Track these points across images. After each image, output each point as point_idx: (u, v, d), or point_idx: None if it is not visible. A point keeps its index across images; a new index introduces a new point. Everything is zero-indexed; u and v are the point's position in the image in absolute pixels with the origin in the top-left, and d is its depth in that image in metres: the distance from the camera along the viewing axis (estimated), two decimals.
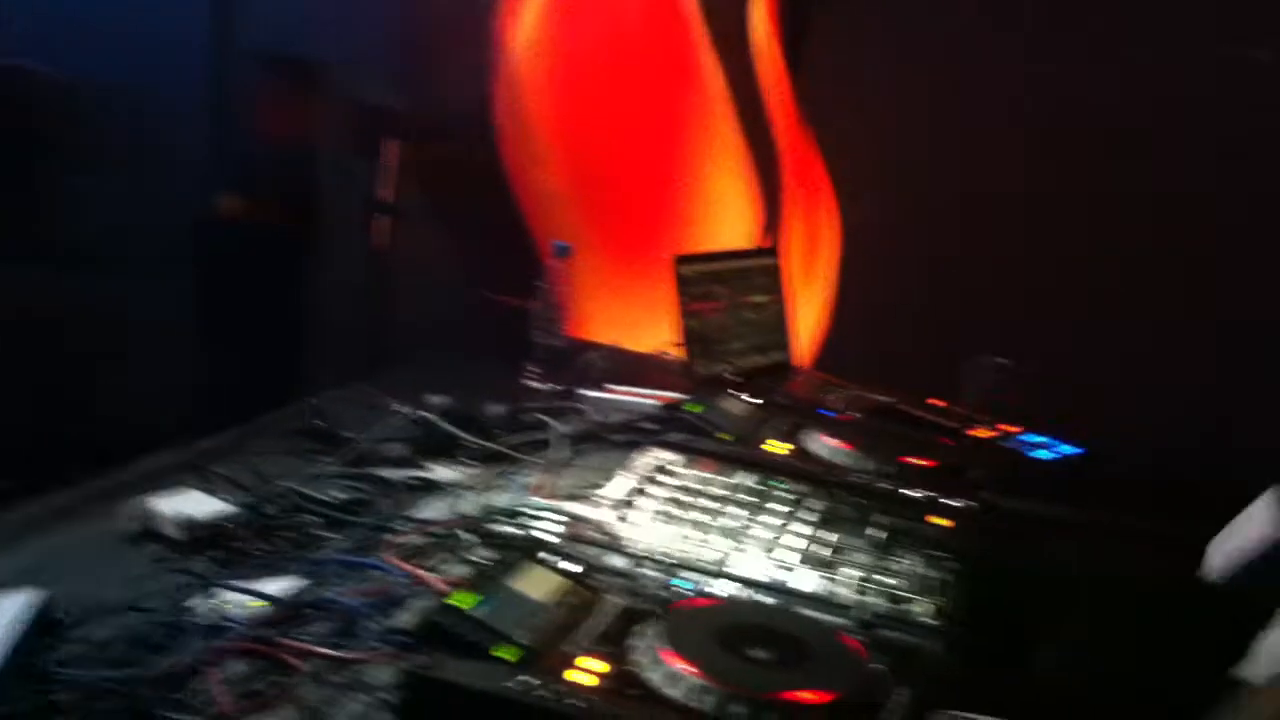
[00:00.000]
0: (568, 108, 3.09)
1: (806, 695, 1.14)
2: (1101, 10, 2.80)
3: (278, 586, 1.39)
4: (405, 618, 1.31)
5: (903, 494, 1.75)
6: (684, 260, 2.42)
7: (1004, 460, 2.03)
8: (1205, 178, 2.70)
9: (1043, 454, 2.07)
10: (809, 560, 1.51)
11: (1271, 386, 2.60)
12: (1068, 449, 2.09)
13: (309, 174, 3.52)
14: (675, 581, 1.41)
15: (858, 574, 1.46)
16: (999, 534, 1.70)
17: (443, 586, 1.37)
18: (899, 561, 1.52)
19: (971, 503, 1.73)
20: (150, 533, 1.55)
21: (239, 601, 1.35)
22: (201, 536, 1.53)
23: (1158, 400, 2.62)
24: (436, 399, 1.98)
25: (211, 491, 1.64)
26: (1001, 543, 1.66)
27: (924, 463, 1.88)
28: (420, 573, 1.43)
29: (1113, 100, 2.75)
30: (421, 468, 1.84)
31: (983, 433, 2.15)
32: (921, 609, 1.40)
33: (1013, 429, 2.16)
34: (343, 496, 1.67)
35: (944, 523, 1.66)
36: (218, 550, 1.51)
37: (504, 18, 3.11)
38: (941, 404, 2.26)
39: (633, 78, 3.08)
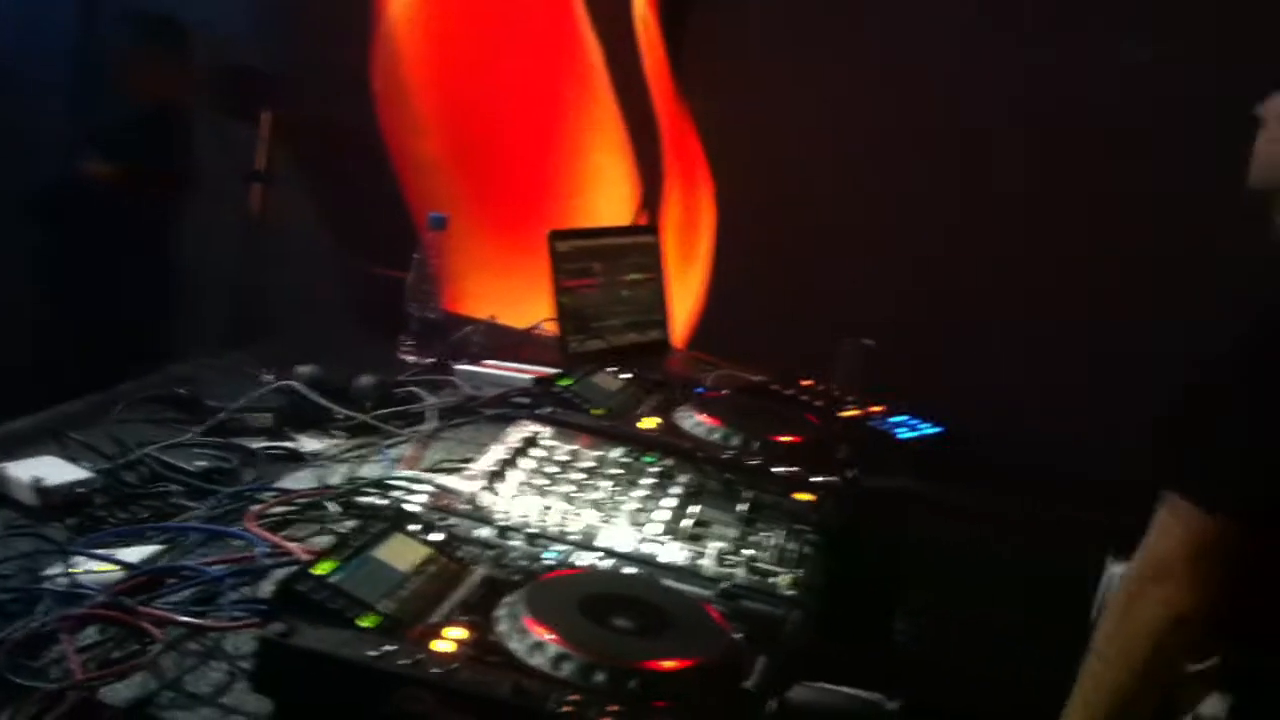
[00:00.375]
0: (447, 77, 3.06)
1: (667, 663, 1.16)
2: None
3: (137, 554, 1.36)
4: (267, 587, 1.30)
5: (770, 470, 1.78)
6: (560, 236, 2.43)
7: (868, 438, 2.08)
8: (1051, 173, 2.78)
9: (905, 433, 2.12)
10: (675, 533, 1.53)
11: (1112, 379, 2.69)
12: (928, 428, 2.14)
13: (179, 139, 3.44)
14: (543, 553, 1.42)
15: (722, 546, 1.49)
16: (860, 509, 1.75)
17: (305, 555, 1.36)
18: (763, 535, 1.55)
19: (835, 479, 1.77)
20: (4, 498, 1.51)
21: (96, 569, 1.32)
22: (57, 503, 1.49)
23: (1014, 384, 2.70)
24: (305, 369, 1.95)
25: (70, 458, 1.60)
26: (862, 518, 1.71)
27: (792, 440, 1.92)
28: (283, 541, 1.41)
29: (969, 88, 2.80)
30: (288, 438, 1.82)
31: (850, 412, 2.20)
32: (783, 581, 1.44)
33: (877, 409, 2.20)
34: (205, 465, 1.64)
35: (808, 497, 1.70)
36: (75, 517, 1.48)
37: None
38: (811, 384, 2.30)
39: (513, 49, 3.06)
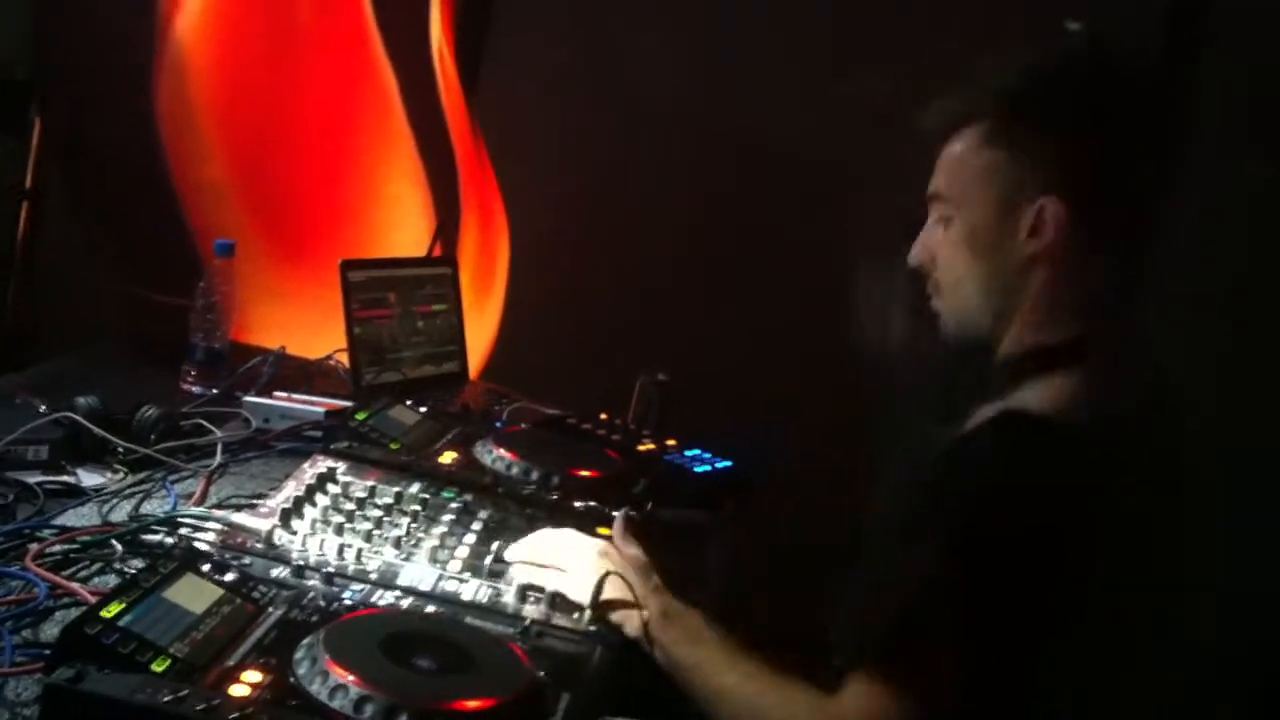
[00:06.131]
0: (235, 101, 2.97)
1: (471, 703, 1.15)
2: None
3: None
4: (49, 630, 1.23)
5: (570, 504, 1.79)
6: (353, 265, 2.39)
7: (664, 472, 2.11)
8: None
9: (699, 467, 2.16)
10: (476, 570, 1.52)
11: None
12: (722, 463, 2.19)
13: None
14: (342, 592, 1.39)
15: (524, 582, 1.48)
16: (658, 542, 1.77)
17: (90, 597, 1.29)
18: None
19: (633, 512, 1.79)
20: None
21: None
22: None
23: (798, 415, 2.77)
24: (84, 400, 1.86)
25: None
26: (660, 550, 1.73)
27: (591, 474, 1.93)
28: (65, 582, 1.34)
29: (809, 119, 2.87)
30: (67, 472, 1.73)
31: (646, 446, 2.23)
32: (586, 616, 1.44)
33: (672, 443, 2.24)
34: None
35: (607, 532, 1.71)
36: None
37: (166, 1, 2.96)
38: (608, 418, 2.32)
39: (305, 76, 3.00)
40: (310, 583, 1.39)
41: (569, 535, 1.59)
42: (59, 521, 1.55)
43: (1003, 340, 1.42)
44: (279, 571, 1.40)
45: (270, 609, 1.29)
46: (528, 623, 1.39)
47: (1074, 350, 1.38)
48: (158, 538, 1.49)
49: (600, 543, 1.56)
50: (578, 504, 1.79)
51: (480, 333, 3.01)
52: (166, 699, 1.03)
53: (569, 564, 1.51)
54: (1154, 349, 1.52)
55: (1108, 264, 1.40)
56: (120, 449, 1.82)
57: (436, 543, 1.56)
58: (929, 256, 1.48)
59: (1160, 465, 1.41)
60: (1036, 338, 1.39)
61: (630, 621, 1.44)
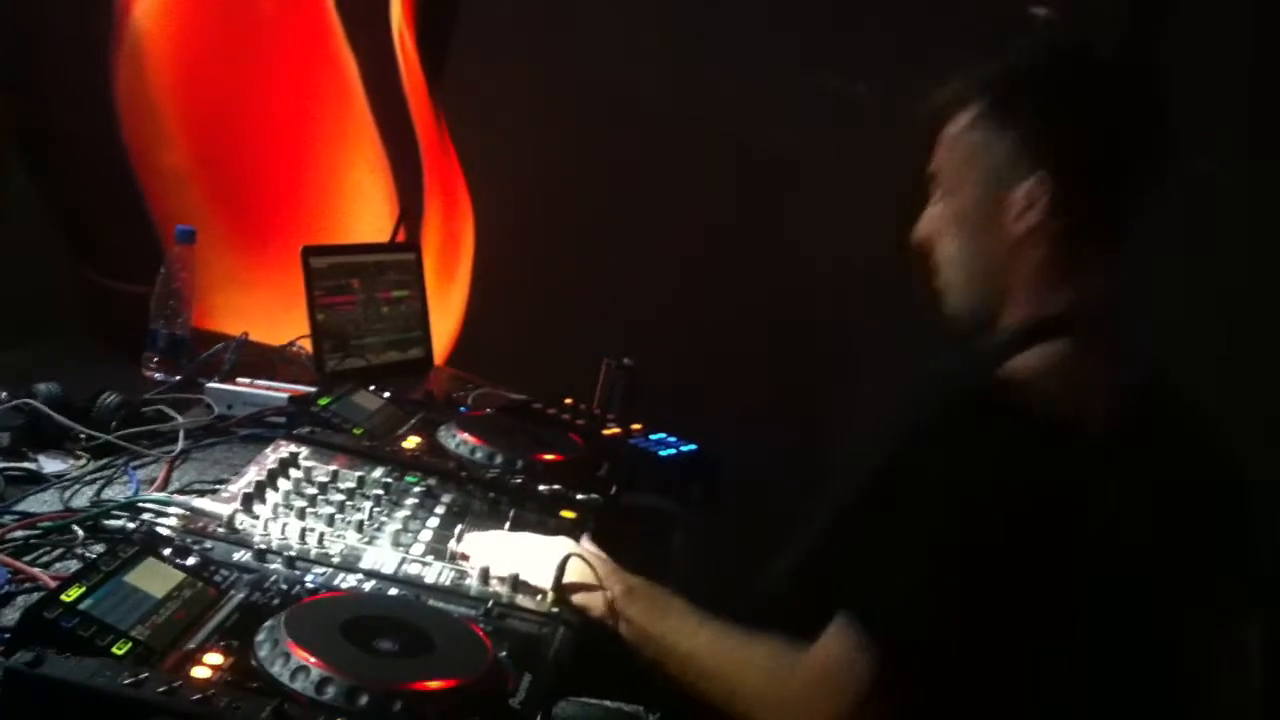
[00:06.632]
0: (195, 86, 2.95)
1: (432, 684, 1.15)
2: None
3: None
4: (9, 615, 1.23)
5: (534, 489, 1.80)
6: (315, 252, 2.38)
7: (629, 456, 2.12)
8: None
9: (664, 451, 2.17)
10: (439, 553, 1.52)
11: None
12: (686, 447, 2.20)
13: None
14: (304, 576, 1.39)
15: (485, 566, 1.49)
16: (621, 526, 1.78)
17: (51, 582, 1.29)
18: None
19: (597, 497, 1.81)
20: None
21: None
22: None
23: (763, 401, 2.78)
24: (44, 386, 1.85)
25: None
26: (624, 535, 1.74)
27: (555, 459, 1.94)
28: (26, 567, 1.34)
29: (759, 110, 2.88)
30: (27, 459, 1.72)
31: (611, 431, 2.24)
32: (548, 598, 1.45)
33: (637, 427, 2.25)
34: None
35: (570, 515, 1.72)
36: None
37: None
38: (573, 403, 2.33)
39: (265, 61, 2.98)
40: (272, 567, 1.39)
41: (525, 534, 1.60)
42: (20, 508, 1.54)
43: (1000, 317, 1.44)
44: (241, 556, 1.40)
45: (232, 592, 1.30)
46: (489, 604, 1.39)
47: (1065, 321, 1.39)
48: (119, 523, 1.49)
49: (560, 538, 1.57)
50: (541, 488, 1.80)
51: (445, 319, 3.01)
52: (127, 681, 1.03)
53: (529, 552, 1.52)
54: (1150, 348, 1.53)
55: (1097, 247, 1.42)
56: (82, 436, 1.81)
57: (399, 526, 1.57)
58: (926, 235, 1.51)
59: (1162, 450, 1.40)
60: (1029, 311, 1.42)
61: (594, 601, 1.45)
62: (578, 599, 1.46)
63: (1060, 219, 1.38)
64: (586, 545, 1.57)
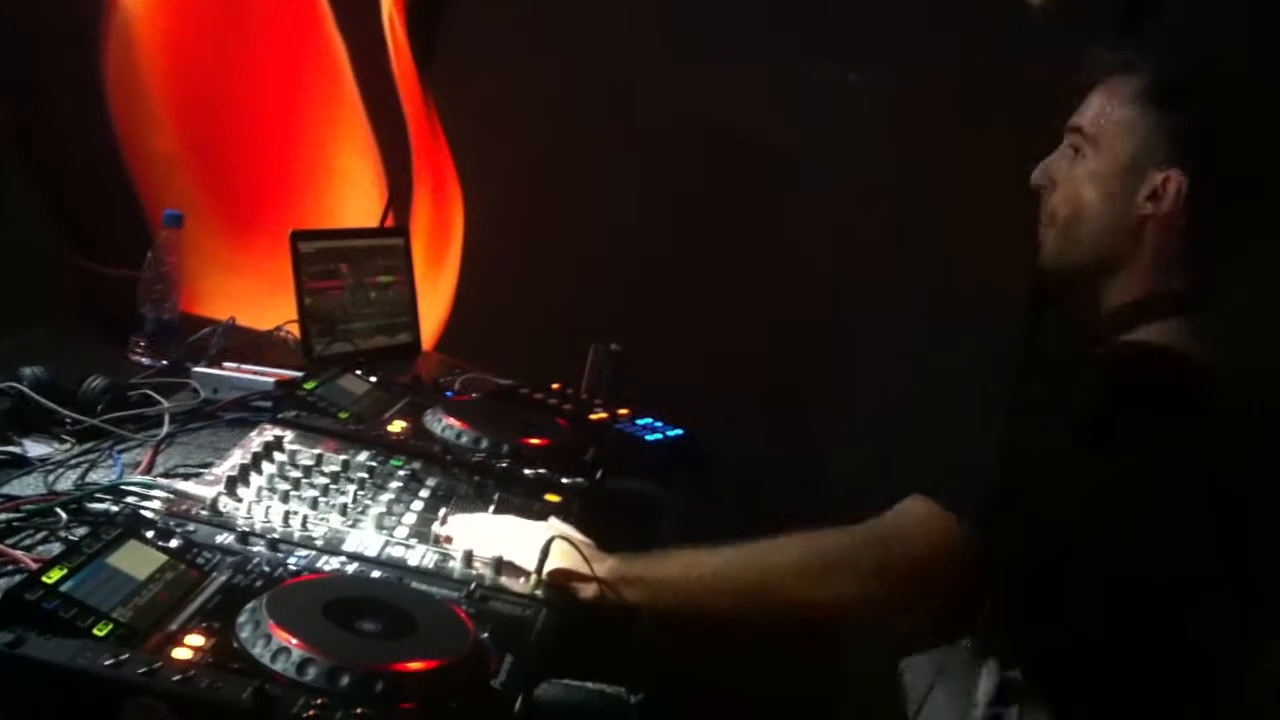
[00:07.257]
0: (184, 71, 2.94)
1: (413, 665, 1.16)
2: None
3: None
4: None
5: (519, 472, 1.80)
6: (303, 236, 2.38)
7: (616, 441, 2.12)
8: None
9: (651, 436, 2.17)
10: (423, 536, 1.53)
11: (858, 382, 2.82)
12: (673, 432, 2.21)
13: None
14: (287, 558, 1.39)
15: (469, 548, 1.49)
16: (607, 510, 1.79)
17: (33, 564, 1.29)
18: None
19: (582, 481, 1.81)
20: None
21: None
22: None
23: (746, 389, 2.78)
24: (30, 370, 1.85)
25: None
26: (610, 519, 1.75)
27: (541, 443, 1.94)
28: (9, 550, 1.34)
29: (724, 104, 2.88)
30: (13, 442, 1.72)
31: (598, 415, 2.24)
32: (530, 581, 1.46)
33: (624, 412, 2.26)
34: None
35: (555, 499, 1.73)
36: None
37: None
38: (560, 388, 2.33)
39: (254, 45, 2.97)
40: (255, 549, 1.40)
41: (509, 518, 1.60)
42: (4, 491, 1.54)
43: (1106, 289, 1.50)
44: (224, 538, 1.40)
45: (214, 574, 1.30)
46: (472, 586, 1.40)
47: (1184, 300, 1.46)
48: (103, 506, 1.49)
49: (543, 522, 1.58)
50: (527, 471, 1.80)
51: (434, 304, 3.01)
52: (107, 663, 1.03)
53: (513, 535, 1.52)
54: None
55: (1215, 246, 1.48)
56: (67, 420, 1.81)
57: (383, 509, 1.57)
58: (1049, 180, 1.56)
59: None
60: (1147, 287, 1.47)
61: (584, 582, 1.45)
62: (562, 581, 1.46)
63: (1187, 215, 1.45)
64: (567, 528, 1.57)
